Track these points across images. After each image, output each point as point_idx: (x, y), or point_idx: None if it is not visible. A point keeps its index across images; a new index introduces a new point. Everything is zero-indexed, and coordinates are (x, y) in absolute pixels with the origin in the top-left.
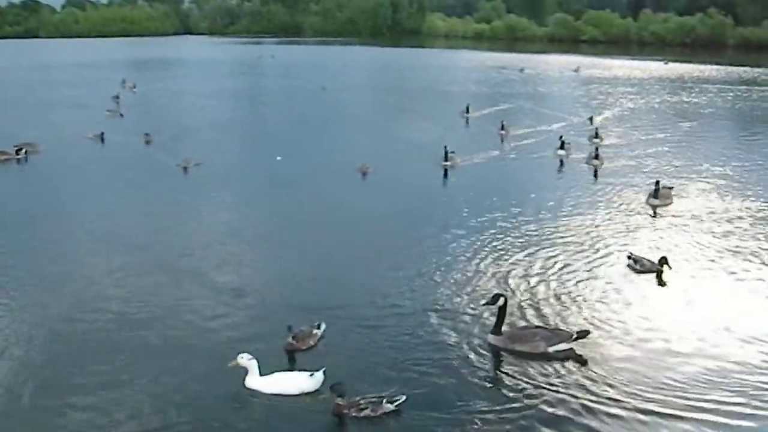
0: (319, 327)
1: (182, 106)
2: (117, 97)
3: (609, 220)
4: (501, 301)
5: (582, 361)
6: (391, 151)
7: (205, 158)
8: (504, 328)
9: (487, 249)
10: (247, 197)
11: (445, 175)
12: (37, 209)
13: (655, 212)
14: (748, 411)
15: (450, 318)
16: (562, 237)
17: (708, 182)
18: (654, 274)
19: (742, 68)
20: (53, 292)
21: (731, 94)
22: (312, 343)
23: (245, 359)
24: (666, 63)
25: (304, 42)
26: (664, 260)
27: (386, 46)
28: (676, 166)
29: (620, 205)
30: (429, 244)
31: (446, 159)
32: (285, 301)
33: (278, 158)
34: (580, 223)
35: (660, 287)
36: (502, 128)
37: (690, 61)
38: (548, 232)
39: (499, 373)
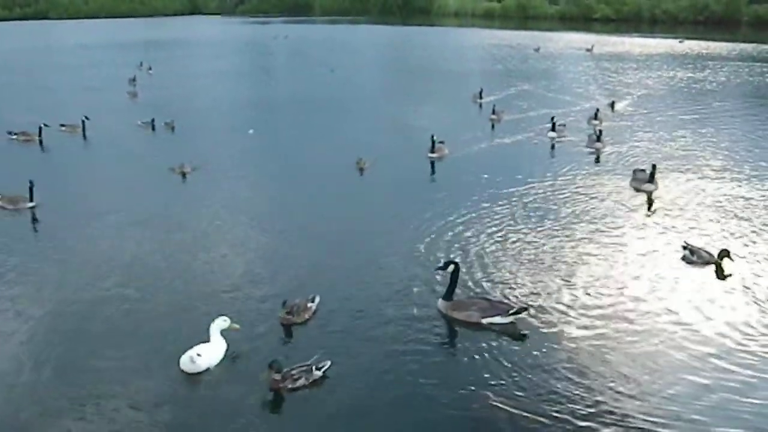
0: (313, 300)
1: (196, 89)
2: (134, 79)
3: (610, 209)
4: (451, 267)
5: (520, 337)
6: (394, 141)
7: (207, 151)
8: (457, 296)
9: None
10: (242, 189)
11: (432, 168)
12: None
13: (650, 198)
14: None
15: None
16: (568, 232)
17: (720, 165)
18: (712, 266)
19: (758, 45)
20: (79, 270)
21: (747, 70)
22: (307, 316)
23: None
24: (681, 41)
25: (312, 21)
26: (725, 253)
27: (396, 25)
28: (689, 150)
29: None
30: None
31: (433, 150)
32: (282, 282)
33: (250, 131)
34: (578, 213)
35: (720, 281)
36: (494, 113)
37: (705, 39)
38: (554, 227)
39: (440, 339)
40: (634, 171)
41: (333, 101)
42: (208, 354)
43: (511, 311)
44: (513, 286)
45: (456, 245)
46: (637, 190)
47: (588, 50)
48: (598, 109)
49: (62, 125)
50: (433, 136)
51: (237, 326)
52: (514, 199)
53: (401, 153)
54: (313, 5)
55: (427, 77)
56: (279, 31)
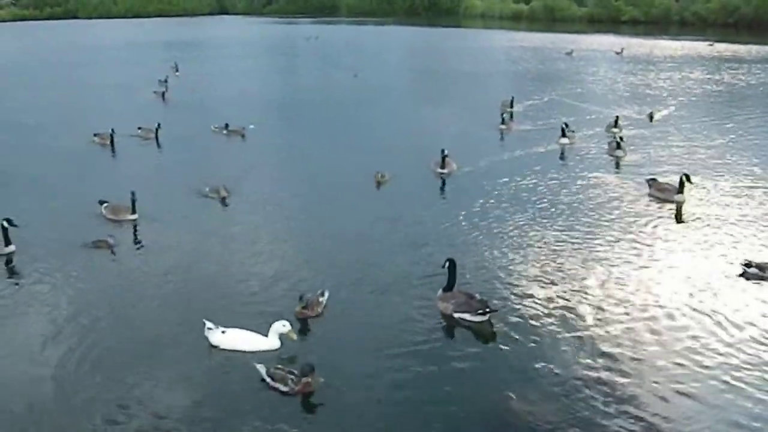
0: (323, 294)
1: (221, 91)
2: (165, 80)
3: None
4: (447, 264)
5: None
6: (412, 157)
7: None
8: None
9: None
10: (258, 204)
11: (443, 185)
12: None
13: (679, 209)
14: None
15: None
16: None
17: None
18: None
19: None
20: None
21: None
22: (320, 310)
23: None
24: (711, 44)
25: (339, 21)
26: None
27: (422, 26)
28: (719, 158)
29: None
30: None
31: (443, 166)
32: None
33: (251, 126)
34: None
35: None
36: (503, 122)
37: (735, 42)
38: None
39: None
40: (652, 180)
41: (355, 108)
42: (249, 339)
43: (479, 311)
44: (534, 297)
45: (476, 258)
46: (661, 200)
47: (618, 53)
48: (617, 117)
49: (139, 128)
50: (443, 151)
51: (294, 336)
52: (528, 208)
53: (416, 167)
54: (339, 6)
55: (454, 82)
56: (307, 31)
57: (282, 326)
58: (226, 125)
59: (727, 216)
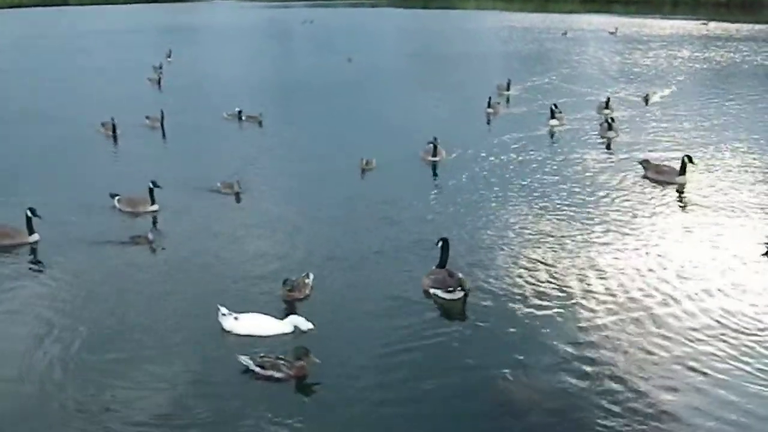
0: (308, 276)
1: (214, 77)
2: (160, 67)
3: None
4: (440, 243)
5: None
6: (401, 143)
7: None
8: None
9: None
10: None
11: (434, 172)
12: None
13: (680, 191)
14: None
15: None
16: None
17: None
18: None
19: None
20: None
21: None
22: (307, 292)
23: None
24: (705, 23)
25: (334, 5)
26: None
27: (416, 8)
28: (711, 138)
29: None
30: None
31: (434, 154)
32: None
33: (236, 110)
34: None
35: None
36: (489, 106)
37: (728, 21)
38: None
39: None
40: (645, 162)
41: (348, 93)
42: (261, 324)
43: (449, 287)
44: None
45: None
46: (661, 183)
47: (612, 33)
48: (608, 98)
49: (147, 117)
50: (435, 139)
51: (311, 325)
52: (521, 193)
53: (405, 154)
54: None
55: (448, 65)
56: (302, 15)
57: (304, 321)
58: (240, 112)
59: (733, 197)
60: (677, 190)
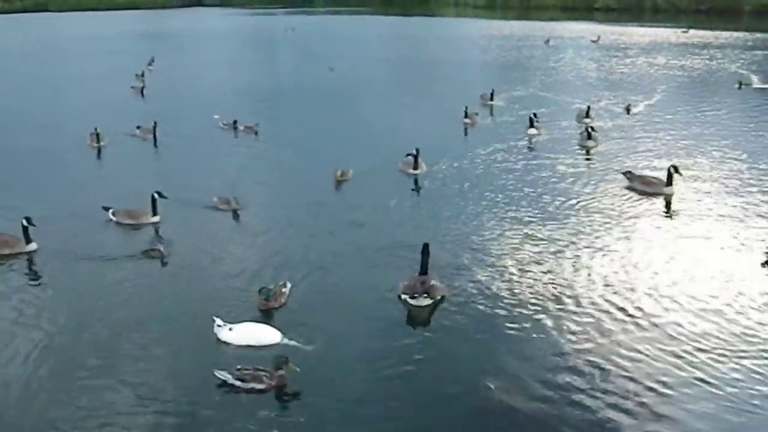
0: (285, 285)
1: (195, 86)
2: (142, 75)
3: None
4: (423, 248)
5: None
6: (378, 154)
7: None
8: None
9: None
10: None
11: (416, 184)
12: None
13: (668, 202)
14: None
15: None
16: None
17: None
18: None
19: (764, 35)
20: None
21: (762, 59)
22: (284, 300)
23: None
24: (686, 31)
25: (315, 12)
26: None
27: (397, 15)
28: (694, 148)
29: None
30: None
31: (415, 167)
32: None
33: (215, 116)
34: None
35: None
36: (466, 116)
37: (709, 28)
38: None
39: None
40: (629, 173)
41: (330, 104)
42: (255, 335)
43: (415, 294)
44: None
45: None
46: (646, 194)
47: (594, 41)
48: (589, 106)
49: (138, 127)
50: (416, 150)
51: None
52: (498, 204)
53: (382, 165)
54: None
55: (428, 74)
56: (283, 23)
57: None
58: (235, 122)
59: (720, 207)
60: (665, 201)
